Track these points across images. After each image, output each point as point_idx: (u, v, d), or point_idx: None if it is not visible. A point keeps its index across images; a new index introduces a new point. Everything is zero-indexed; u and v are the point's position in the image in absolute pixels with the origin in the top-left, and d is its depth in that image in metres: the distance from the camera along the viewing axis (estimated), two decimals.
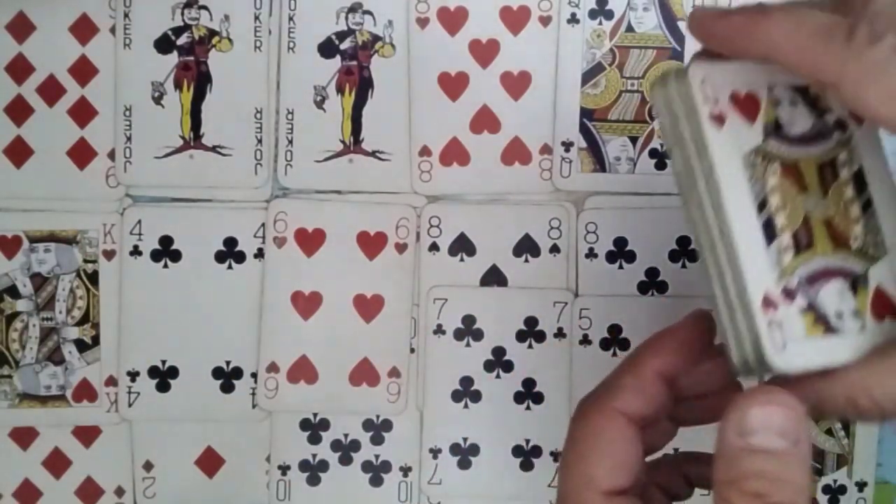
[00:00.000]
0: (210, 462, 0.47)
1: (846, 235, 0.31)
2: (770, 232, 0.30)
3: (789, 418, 0.27)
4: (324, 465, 0.47)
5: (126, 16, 0.45)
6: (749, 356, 0.29)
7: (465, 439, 0.47)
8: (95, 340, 0.46)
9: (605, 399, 0.32)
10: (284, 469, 0.47)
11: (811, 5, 0.28)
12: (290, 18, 0.46)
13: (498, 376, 0.47)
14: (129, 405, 0.46)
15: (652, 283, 0.47)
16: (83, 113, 0.46)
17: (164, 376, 0.46)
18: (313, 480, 0.47)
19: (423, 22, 0.46)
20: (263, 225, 0.46)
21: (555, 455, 0.47)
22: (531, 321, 0.47)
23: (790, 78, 0.31)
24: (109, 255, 0.46)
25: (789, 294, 0.30)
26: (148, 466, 0.47)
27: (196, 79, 0.46)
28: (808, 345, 0.30)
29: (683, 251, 0.47)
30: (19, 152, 0.46)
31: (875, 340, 0.30)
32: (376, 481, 0.47)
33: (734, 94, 0.31)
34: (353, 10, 0.46)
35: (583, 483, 0.31)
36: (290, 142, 0.46)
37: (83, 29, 0.45)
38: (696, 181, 0.31)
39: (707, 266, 0.31)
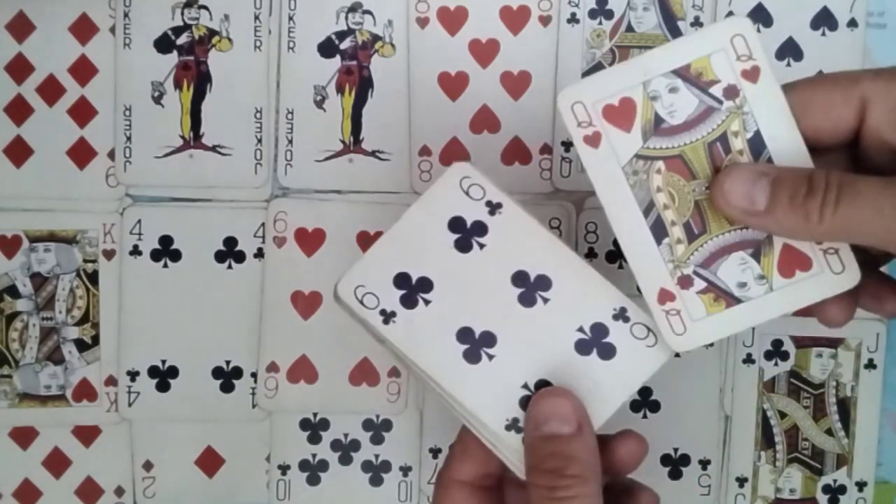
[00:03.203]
0: (210, 462, 0.47)
1: None
2: (660, 231, 0.33)
3: (569, 407, 0.33)
4: (324, 465, 0.47)
5: (126, 16, 0.45)
6: (664, 338, 0.34)
7: None
8: (95, 340, 0.46)
9: (444, 471, 0.37)
10: (284, 469, 0.47)
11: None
12: (290, 18, 0.46)
13: None
14: (129, 405, 0.46)
15: None
16: (83, 113, 0.46)
17: (164, 376, 0.46)
18: (313, 480, 0.47)
19: (423, 22, 0.46)
20: (263, 225, 0.46)
21: None
22: None
23: (666, 64, 0.32)
24: (109, 254, 0.46)
25: (686, 281, 0.33)
26: (148, 466, 0.47)
27: (196, 78, 0.46)
28: (711, 321, 0.33)
29: None
30: (19, 152, 0.46)
31: (786, 297, 0.33)
32: (376, 481, 0.47)
33: (607, 106, 0.33)
34: (353, 9, 0.46)
35: None
36: (290, 141, 0.46)
37: (83, 29, 0.45)
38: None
39: None
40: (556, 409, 0.33)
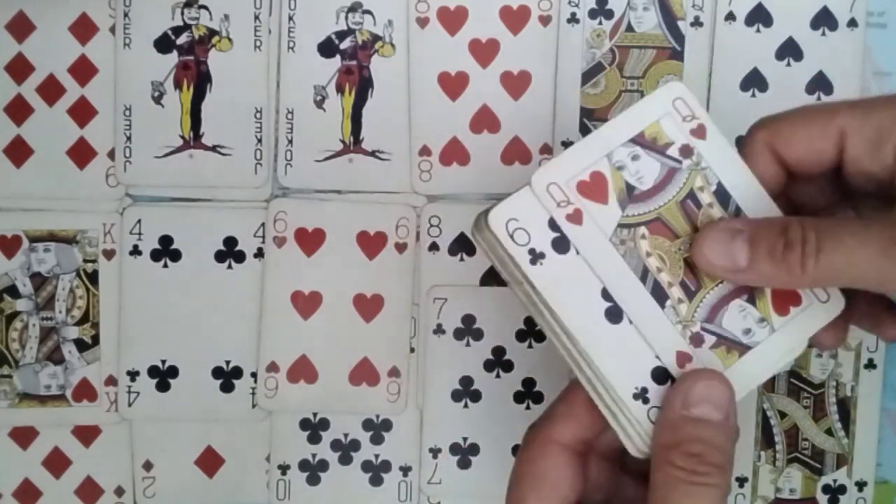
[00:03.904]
0: (210, 462, 0.47)
1: None
2: (660, 294, 0.33)
3: (725, 396, 0.32)
4: (324, 465, 0.47)
5: (126, 15, 0.45)
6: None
7: (465, 439, 0.47)
8: (95, 340, 0.46)
9: (540, 429, 0.35)
10: (284, 469, 0.47)
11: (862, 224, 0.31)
12: (290, 18, 0.46)
13: (498, 376, 0.47)
14: (129, 405, 0.46)
15: None
16: (83, 112, 0.46)
17: (164, 376, 0.46)
18: (313, 480, 0.47)
19: (423, 21, 0.46)
20: (263, 225, 0.46)
21: None
22: (531, 321, 0.47)
23: (623, 135, 0.34)
24: (109, 254, 0.46)
25: (697, 339, 0.34)
26: (148, 466, 0.47)
27: (196, 78, 0.46)
28: (732, 374, 0.33)
29: None
30: (19, 152, 0.46)
31: (789, 335, 0.34)
32: (376, 481, 0.47)
33: (580, 182, 0.33)
34: (352, 9, 0.46)
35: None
36: (290, 141, 0.46)
37: (83, 28, 0.45)
38: None
39: None
40: (711, 393, 0.32)
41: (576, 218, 0.33)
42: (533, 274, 0.33)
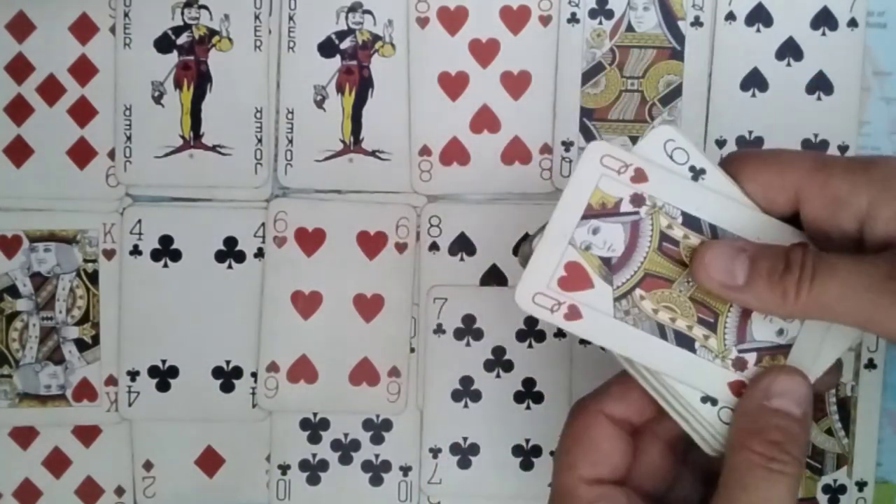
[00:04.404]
0: (210, 462, 0.47)
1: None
2: (687, 342, 0.34)
3: (805, 392, 0.33)
4: (324, 465, 0.47)
5: (126, 15, 0.45)
6: None
7: (465, 439, 0.47)
8: (95, 340, 0.46)
9: (592, 401, 0.36)
10: (284, 469, 0.47)
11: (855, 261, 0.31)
12: (290, 18, 0.46)
13: (498, 376, 0.47)
14: (129, 405, 0.46)
15: None
16: (83, 112, 0.46)
17: (164, 376, 0.46)
18: (313, 480, 0.47)
19: (423, 21, 0.46)
20: (263, 224, 0.46)
21: (555, 454, 0.47)
22: (531, 321, 0.47)
23: (573, 217, 0.34)
24: (109, 254, 0.46)
25: (741, 363, 0.34)
26: (148, 466, 0.47)
27: (196, 78, 0.46)
28: None
29: None
30: (19, 152, 0.46)
31: (813, 336, 0.34)
32: (376, 481, 0.47)
33: (560, 279, 0.34)
34: (353, 9, 0.46)
35: (566, 469, 0.35)
36: (290, 141, 0.46)
37: (83, 28, 0.45)
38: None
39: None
40: (793, 388, 0.33)
41: (574, 314, 0.33)
42: (577, 329, 0.34)
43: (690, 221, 0.34)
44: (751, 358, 0.34)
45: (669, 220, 0.34)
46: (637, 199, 0.34)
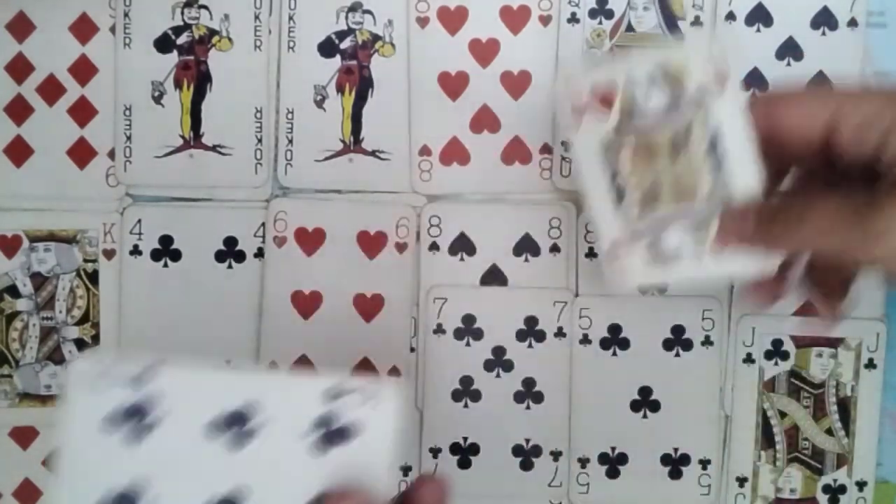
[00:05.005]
0: None
1: (692, 189, 0.38)
2: (620, 195, 0.39)
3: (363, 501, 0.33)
4: None
5: (126, 15, 0.45)
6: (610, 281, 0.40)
7: (465, 439, 0.47)
8: (95, 340, 0.46)
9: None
10: None
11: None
12: (290, 18, 0.46)
13: (498, 375, 0.47)
14: None
15: None
16: (83, 112, 0.46)
17: None
18: None
19: (423, 21, 0.46)
20: (263, 224, 0.46)
21: (555, 454, 0.47)
22: (531, 321, 0.47)
23: (652, 60, 0.38)
24: (109, 254, 0.46)
25: (635, 236, 0.39)
26: None
27: (196, 78, 0.46)
28: (647, 270, 0.40)
29: None
30: (19, 152, 0.46)
31: (710, 266, 0.38)
32: None
33: (595, 87, 0.38)
34: (353, 9, 0.46)
35: None
36: (291, 141, 0.46)
37: (83, 28, 0.45)
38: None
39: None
40: None
41: (581, 114, 0.39)
42: (572, 126, 0.39)
43: (714, 142, 0.37)
44: (644, 241, 0.39)
45: (702, 125, 0.37)
46: (700, 93, 0.37)
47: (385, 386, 0.33)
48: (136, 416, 0.33)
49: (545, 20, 0.46)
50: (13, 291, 0.46)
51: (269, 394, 0.33)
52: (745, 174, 0.37)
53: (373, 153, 0.46)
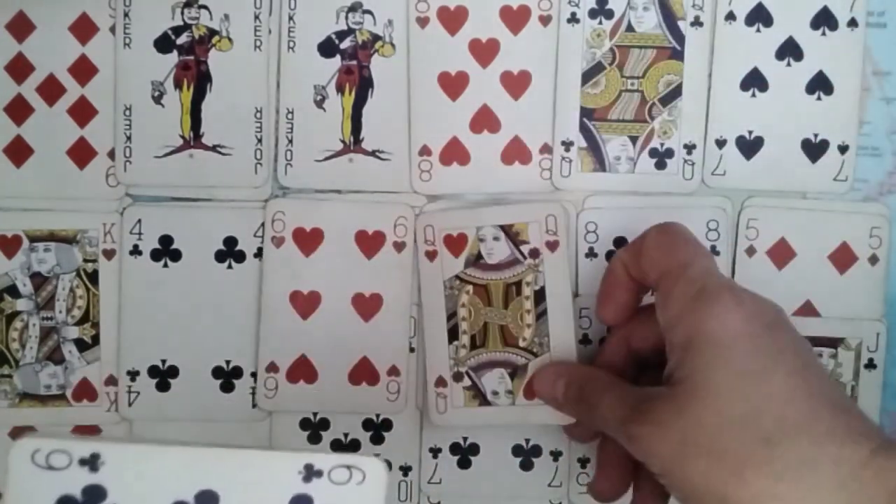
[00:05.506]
0: None
1: (516, 337, 0.45)
2: (453, 334, 0.45)
3: None
4: None
5: (126, 15, 0.45)
6: (429, 413, 0.45)
7: (464, 439, 0.47)
8: (95, 340, 0.46)
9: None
10: None
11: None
12: (290, 18, 0.46)
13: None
14: (129, 405, 0.46)
15: None
16: (83, 112, 0.46)
17: (163, 376, 0.46)
18: None
19: (423, 21, 0.46)
20: (263, 224, 0.46)
21: (554, 454, 0.47)
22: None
23: (494, 219, 0.45)
24: (109, 254, 0.46)
25: (458, 377, 0.45)
26: None
27: (196, 78, 0.46)
28: (465, 411, 0.45)
29: None
30: (19, 152, 0.46)
31: (523, 413, 0.44)
32: None
33: (447, 235, 0.45)
34: (353, 9, 0.46)
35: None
36: (290, 141, 0.46)
37: (83, 28, 0.45)
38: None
39: None
40: None
41: (431, 256, 0.45)
42: (422, 268, 0.46)
43: (539, 296, 0.45)
44: (466, 382, 0.45)
45: (532, 282, 0.45)
46: (534, 254, 0.45)
47: (369, 463, 0.29)
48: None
49: (545, 20, 0.46)
50: (13, 291, 0.46)
51: (239, 474, 0.30)
52: (563, 333, 0.44)
53: (373, 153, 0.46)
